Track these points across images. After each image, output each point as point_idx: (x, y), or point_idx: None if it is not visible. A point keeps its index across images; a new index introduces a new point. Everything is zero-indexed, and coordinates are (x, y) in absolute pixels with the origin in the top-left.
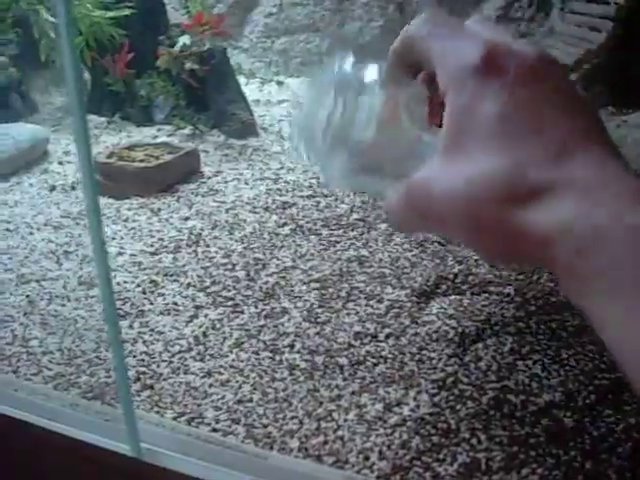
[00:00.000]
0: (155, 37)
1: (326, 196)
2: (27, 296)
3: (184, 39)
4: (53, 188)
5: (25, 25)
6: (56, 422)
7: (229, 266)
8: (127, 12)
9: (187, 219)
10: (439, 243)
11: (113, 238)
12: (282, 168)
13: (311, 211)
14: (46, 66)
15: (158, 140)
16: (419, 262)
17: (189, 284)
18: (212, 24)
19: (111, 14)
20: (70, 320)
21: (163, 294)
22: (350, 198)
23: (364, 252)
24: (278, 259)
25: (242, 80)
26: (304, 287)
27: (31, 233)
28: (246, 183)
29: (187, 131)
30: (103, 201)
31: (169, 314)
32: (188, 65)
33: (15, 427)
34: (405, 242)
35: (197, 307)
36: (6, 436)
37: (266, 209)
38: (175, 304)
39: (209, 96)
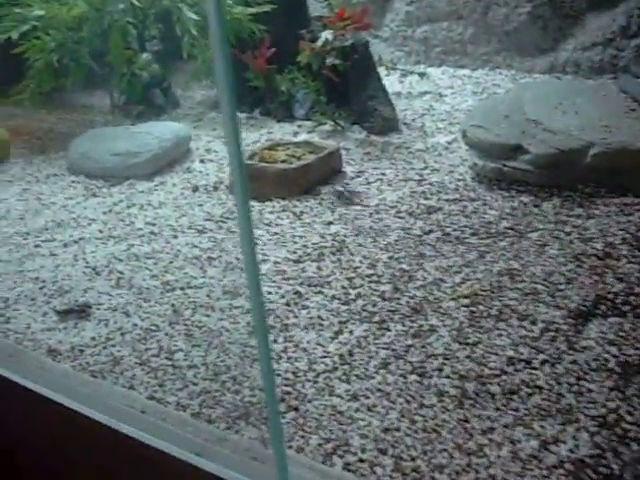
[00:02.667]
0: (296, 32)
1: (473, 200)
2: (172, 305)
3: (326, 34)
4: (196, 189)
5: (167, 22)
6: (202, 457)
7: (374, 278)
8: (268, 8)
9: (330, 224)
10: (597, 257)
11: (256, 244)
12: (426, 168)
13: (458, 217)
14: (188, 62)
15: (299, 137)
16: (575, 278)
17: (333, 297)
18: (355, 19)
19: (252, 10)
20: (215, 332)
21: (307, 307)
22: (499, 203)
23: (515, 264)
24: (425, 270)
25: (383, 72)
26: (452, 303)
27: (175, 236)
28: (389, 184)
29: (328, 127)
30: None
31: (313, 329)
32: (329, 60)
33: (159, 456)
34: (560, 254)
35: (342, 322)
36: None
37: (410, 214)
38: (320, 318)
39: (350, 91)
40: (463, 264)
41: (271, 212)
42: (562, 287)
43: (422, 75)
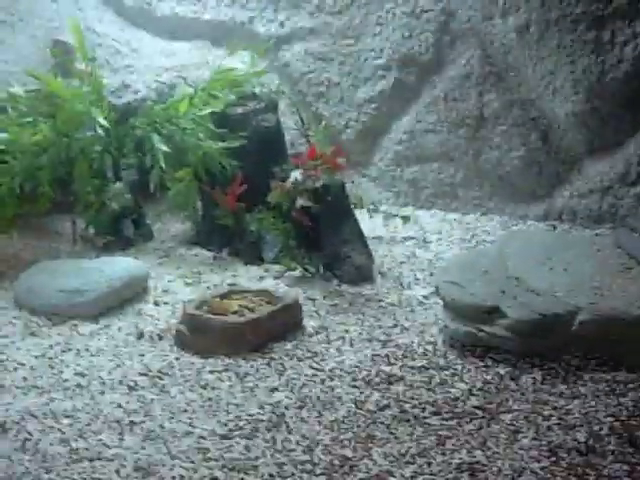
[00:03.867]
0: (269, 169)
1: (442, 369)
2: None
3: (295, 174)
4: (141, 335)
5: (143, 150)
6: None
7: (308, 466)
8: (237, 143)
9: (274, 390)
10: (578, 451)
11: (185, 410)
12: (395, 326)
13: (420, 391)
14: (166, 193)
15: (264, 283)
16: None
17: None
18: (326, 158)
19: (222, 144)
20: None
21: None
22: (470, 374)
23: (480, 456)
24: (371, 459)
25: (365, 215)
26: None
27: (102, 392)
28: (351, 344)
29: (297, 273)
30: (185, 359)
31: None
32: (300, 202)
33: None
34: (534, 446)
35: None
36: None
37: (368, 382)
38: None
39: (322, 235)
40: (418, 452)
41: (211, 371)
42: None
43: (406, 219)
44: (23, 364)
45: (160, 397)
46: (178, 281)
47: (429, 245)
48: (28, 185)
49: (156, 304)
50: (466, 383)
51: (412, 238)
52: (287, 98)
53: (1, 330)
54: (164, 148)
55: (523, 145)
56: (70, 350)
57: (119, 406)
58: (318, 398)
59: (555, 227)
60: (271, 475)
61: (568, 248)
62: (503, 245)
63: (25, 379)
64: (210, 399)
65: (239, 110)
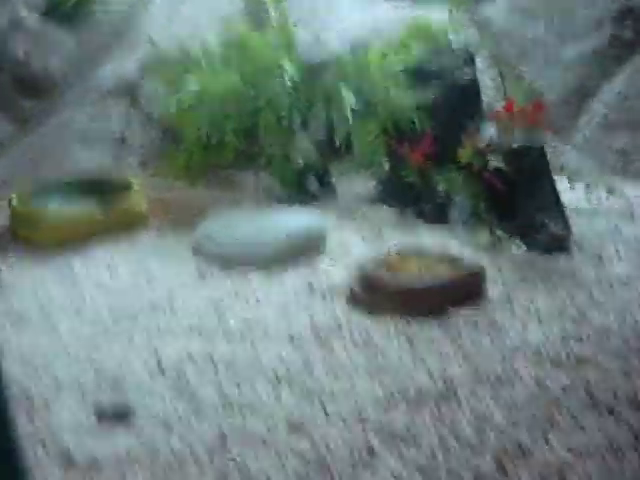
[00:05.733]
0: (463, 125)
1: None
2: (222, 433)
3: (490, 131)
4: (313, 289)
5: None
6: None
7: (477, 447)
8: (429, 98)
9: (447, 359)
10: None
11: (348, 371)
12: (591, 305)
13: (615, 378)
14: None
15: (449, 247)
16: None
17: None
18: (526, 113)
19: (413, 99)
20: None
21: (376, 471)
22: None
23: None
24: (550, 448)
25: (564, 182)
26: None
27: (265, 343)
28: (539, 319)
29: (486, 238)
30: (355, 317)
31: None
32: (493, 163)
33: None
34: None
35: None
36: None
37: (554, 362)
38: None
39: (516, 200)
40: (606, 447)
41: (382, 333)
42: None
43: (612, 191)
44: (192, 309)
45: (323, 354)
46: (357, 238)
47: (636, 220)
48: (215, 136)
49: (332, 260)
50: None
51: (616, 211)
52: (486, 53)
53: (178, 276)
54: (352, 100)
55: None
56: (239, 298)
57: (280, 359)
58: (495, 376)
59: None
60: (433, 452)
61: None
62: None
63: (191, 324)
64: (377, 362)
65: (433, 64)
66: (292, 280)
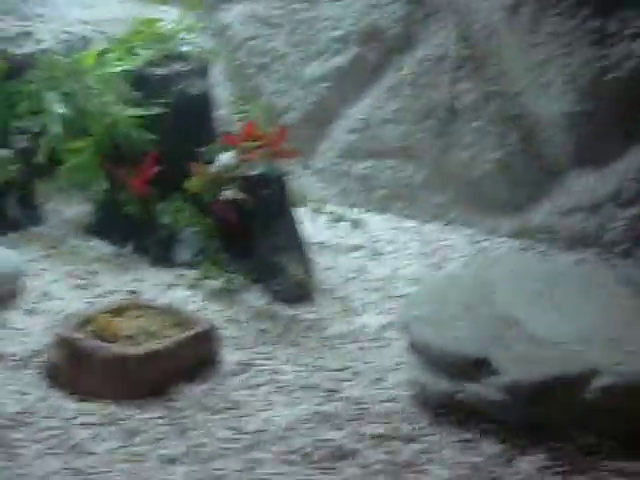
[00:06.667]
0: (193, 147)
1: (409, 440)
2: None
3: (226, 157)
4: None
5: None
6: None
7: None
8: (154, 112)
9: (171, 461)
10: None
11: None
12: (343, 369)
13: (379, 477)
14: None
15: (173, 292)
16: None
17: None
18: (268, 140)
19: (135, 112)
20: None
21: None
22: (448, 452)
23: None
24: None
25: (306, 214)
26: None
27: None
28: (284, 393)
29: (218, 283)
30: (52, 401)
31: None
32: (228, 193)
33: None
34: None
35: None
36: None
37: (306, 458)
38: None
39: (254, 238)
40: None
41: (85, 424)
42: None
43: (357, 223)
44: None
45: None
46: (65, 282)
47: (383, 258)
48: None
49: (28, 313)
50: (443, 466)
51: (362, 247)
52: (223, 65)
53: None
54: (61, 108)
55: (499, 147)
56: None
57: None
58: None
59: (532, 247)
60: None
61: (563, 280)
62: (481, 271)
63: None
64: (75, 470)
65: (160, 71)
66: None
